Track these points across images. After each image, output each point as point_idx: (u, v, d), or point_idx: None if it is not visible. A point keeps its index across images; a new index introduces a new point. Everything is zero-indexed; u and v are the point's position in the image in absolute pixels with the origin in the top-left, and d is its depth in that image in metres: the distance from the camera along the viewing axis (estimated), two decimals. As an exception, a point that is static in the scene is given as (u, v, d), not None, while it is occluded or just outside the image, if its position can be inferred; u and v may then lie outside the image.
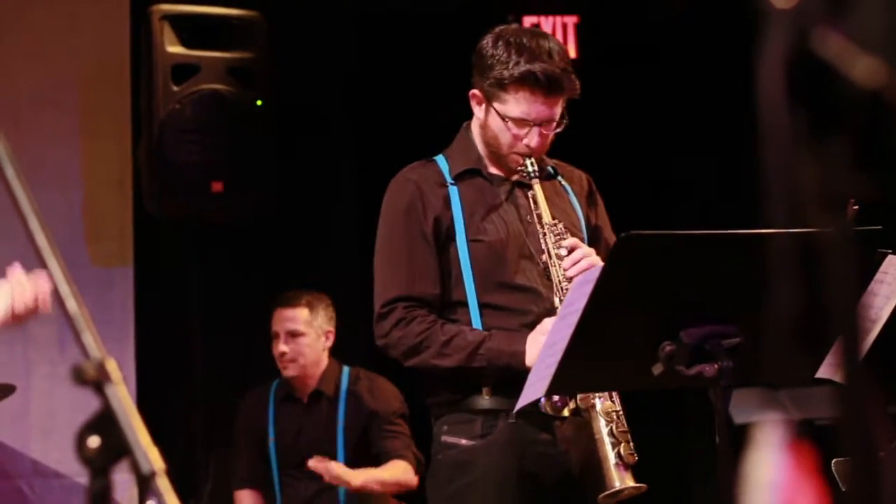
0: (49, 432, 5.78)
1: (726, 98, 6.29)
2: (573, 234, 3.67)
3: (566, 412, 3.60)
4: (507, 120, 3.62)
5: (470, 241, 3.65)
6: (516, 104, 3.61)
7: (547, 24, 6.35)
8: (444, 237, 3.66)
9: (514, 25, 3.81)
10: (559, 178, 3.84)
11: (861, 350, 1.06)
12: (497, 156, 3.71)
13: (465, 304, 3.63)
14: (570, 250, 3.54)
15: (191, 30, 5.83)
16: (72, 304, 1.68)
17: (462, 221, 3.66)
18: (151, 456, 1.60)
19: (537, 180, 3.64)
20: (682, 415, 6.21)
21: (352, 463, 5.68)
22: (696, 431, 6.11)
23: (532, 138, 3.62)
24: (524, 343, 3.50)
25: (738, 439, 2.87)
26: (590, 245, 3.66)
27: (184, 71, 5.77)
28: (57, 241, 1.69)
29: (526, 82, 3.58)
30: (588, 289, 2.90)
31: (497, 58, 3.61)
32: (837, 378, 3.13)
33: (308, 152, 6.62)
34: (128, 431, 1.60)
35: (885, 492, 1.05)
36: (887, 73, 0.89)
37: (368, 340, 3.78)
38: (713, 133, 6.53)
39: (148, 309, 6.04)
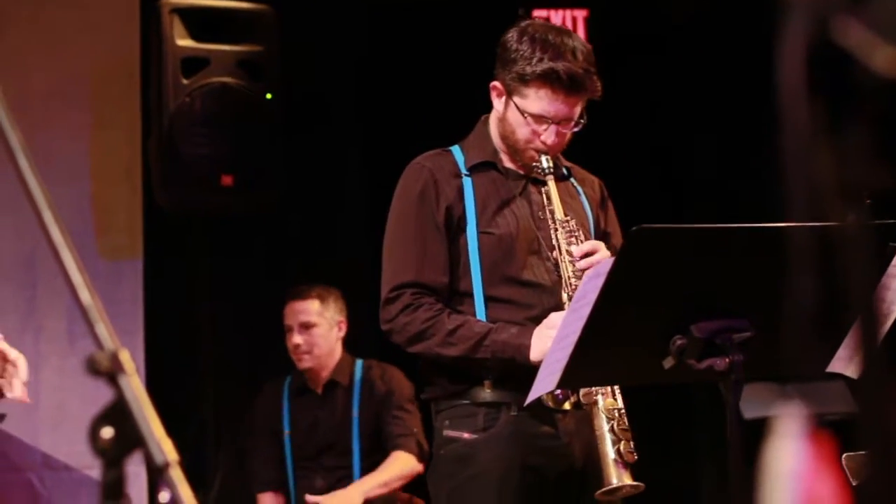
0: (59, 425, 5.79)
1: (738, 91, 6.28)
2: (583, 233, 3.66)
3: (567, 405, 3.60)
4: (526, 115, 3.62)
5: (480, 232, 3.65)
6: (536, 100, 3.61)
7: (557, 16, 6.34)
8: (454, 227, 3.66)
9: (541, 21, 3.81)
10: (572, 180, 3.84)
11: (878, 342, 1.06)
12: (513, 150, 3.71)
13: (470, 296, 3.64)
14: (586, 254, 3.53)
15: (200, 23, 5.83)
16: (85, 296, 1.68)
17: (474, 213, 3.66)
18: (165, 447, 1.60)
19: (552, 177, 3.64)
20: (690, 408, 6.20)
21: (367, 453, 5.70)
22: (704, 425, 6.11)
23: (549, 136, 3.62)
24: (530, 337, 3.50)
25: (749, 433, 2.88)
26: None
27: (193, 64, 5.78)
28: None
29: (548, 80, 3.58)
30: (599, 282, 2.90)
31: (521, 52, 3.61)
32: (848, 372, 3.11)
33: (317, 145, 6.62)
34: (141, 422, 1.60)
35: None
36: (907, 63, 0.89)
37: (378, 332, 3.78)
38: (724, 126, 6.52)
39: (157, 302, 6.04)
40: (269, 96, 5.89)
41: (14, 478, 5.78)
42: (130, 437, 1.60)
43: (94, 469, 5.71)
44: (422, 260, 3.64)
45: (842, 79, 0.92)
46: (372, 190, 6.25)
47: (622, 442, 3.41)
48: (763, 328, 2.93)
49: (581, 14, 6.48)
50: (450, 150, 3.78)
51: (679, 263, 2.96)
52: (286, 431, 5.81)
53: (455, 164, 3.73)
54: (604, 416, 3.44)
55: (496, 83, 3.70)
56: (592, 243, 3.59)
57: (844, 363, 3.03)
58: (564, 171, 3.82)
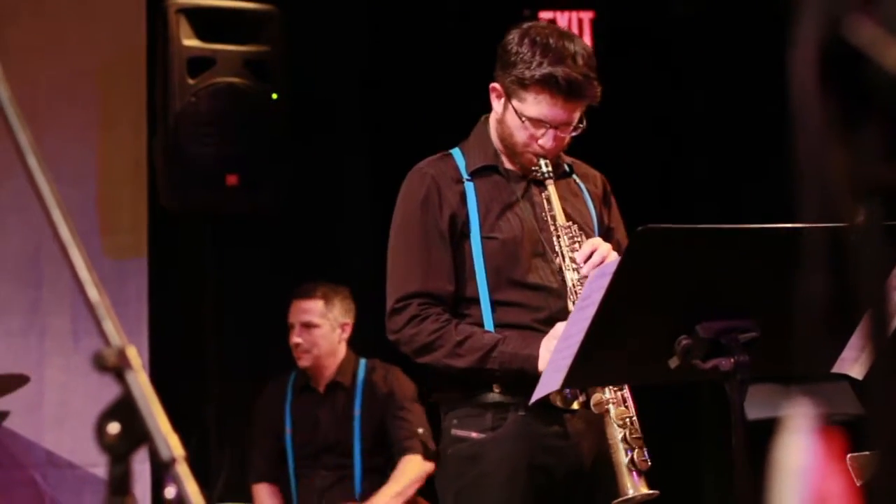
0: (63, 423, 5.80)
1: (743, 93, 6.29)
2: (586, 235, 3.65)
3: (576, 405, 3.59)
4: (524, 119, 3.61)
5: (484, 237, 3.63)
6: (535, 105, 3.59)
7: (563, 18, 6.34)
8: (458, 233, 3.65)
9: (543, 23, 3.78)
10: (574, 176, 3.83)
11: (888, 341, 1.06)
12: (512, 153, 3.70)
13: (476, 301, 3.62)
14: (589, 255, 3.52)
15: (206, 23, 5.84)
16: (93, 293, 1.68)
17: (477, 218, 3.65)
18: (171, 443, 1.60)
19: (552, 181, 3.63)
20: (696, 408, 6.20)
21: (369, 453, 5.70)
22: (709, 425, 6.11)
23: (547, 140, 3.61)
24: (538, 347, 3.49)
25: (754, 433, 2.88)
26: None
27: (199, 64, 5.78)
28: (71, 233, 1.70)
29: (546, 85, 3.56)
30: (605, 282, 2.90)
31: (521, 56, 3.59)
32: (853, 373, 3.11)
33: (323, 145, 6.62)
34: (148, 418, 1.61)
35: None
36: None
37: (383, 332, 3.78)
38: (729, 128, 6.52)
39: (162, 301, 6.05)
40: (274, 96, 5.89)
41: (18, 475, 5.79)
42: (137, 433, 1.61)
43: (98, 467, 5.72)
44: (427, 269, 3.63)
45: (854, 77, 0.92)
46: (377, 188, 6.25)
47: (635, 450, 3.40)
48: (768, 329, 2.93)
49: (587, 15, 6.48)
50: (450, 154, 3.76)
51: (684, 263, 2.96)
52: (288, 430, 5.82)
53: (456, 168, 3.72)
54: (616, 425, 3.43)
55: (496, 84, 3.68)
56: (591, 243, 3.57)
57: (849, 364, 3.03)
58: (566, 167, 3.81)
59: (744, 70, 6.24)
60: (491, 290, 3.61)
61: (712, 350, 2.95)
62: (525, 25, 3.67)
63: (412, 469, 5.65)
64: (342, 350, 5.85)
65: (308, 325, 5.78)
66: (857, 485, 3.04)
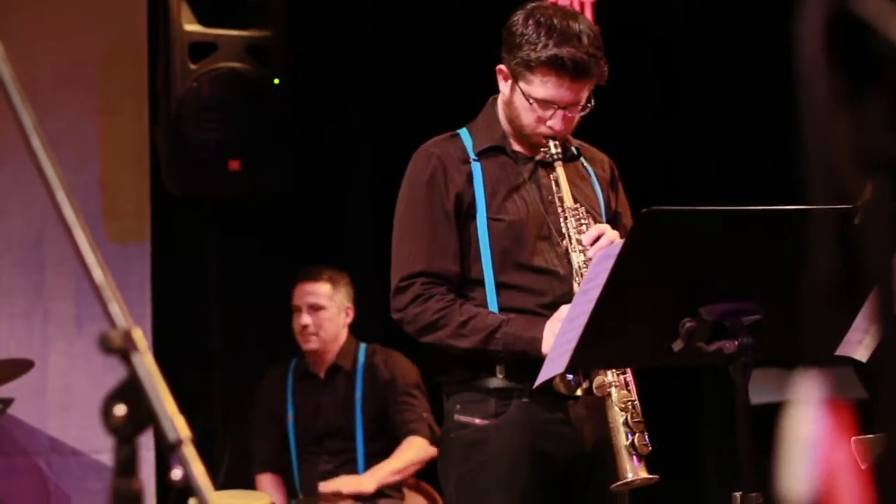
0: (66, 409, 5.80)
1: (746, 78, 6.28)
2: (593, 218, 3.65)
3: (579, 392, 3.59)
4: (531, 100, 3.60)
5: (490, 219, 3.62)
6: (542, 86, 3.58)
7: (565, 2, 6.33)
8: (464, 214, 3.64)
9: (547, 4, 3.76)
10: (582, 159, 3.82)
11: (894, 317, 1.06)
12: (520, 134, 3.70)
13: (481, 283, 3.62)
14: (595, 239, 3.52)
15: (208, 8, 5.83)
16: (98, 274, 1.68)
17: (484, 199, 3.64)
18: (178, 424, 1.61)
19: (560, 163, 3.62)
20: (698, 391, 6.21)
21: (371, 437, 5.71)
22: (711, 408, 6.11)
23: (556, 121, 3.60)
24: (542, 330, 3.48)
25: (757, 416, 2.88)
26: (607, 231, 3.63)
27: (201, 49, 5.78)
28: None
29: (553, 66, 3.55)
30: (609, 264, 2.90)
31: (526, 37, 3.58)
32: (857, 356, 3.11)
33: (325, 130, 6.62)
34: (154, 400, 1.61)
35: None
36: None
37: (384, 318, 3.77)
38: (732, 113, 6.51)
39: (165, 286, 6.05)
40: (276, 81, 5.89)
41: (22, 462, 5.80)
42: (143, 415, 1.61)
43: (101, 453, 5.73)
44: (432, 248, 3.62)
45: (860, 48, 0.92)
46: (379, 173, 6.25)
47: (636, 434, 3.39)
48: (772, 311, 2.93)
49: (589, -1, 6.47)
50: (458, 135, 3.75)
51: (689, 245, 2.96)
52: (290, 416, 5.82)
53: (463, 149, 3.71)
54: (617, 409, 3.43)
55: (502, 67, 3.67)
56: (598, 228, 3.57)
57: (854, 346, 3.03)
58: (574, 150, 3.80)
59: (748, 54, 6.23)
60: (496, 273, 3.60)
61: (716, 333, 2.95)
62: (529, 6, 3.66)
63: (415, 450, 5.66)
64: (344, 334, 5.85)
65: (315, 308, 5.78)
66: (862, 467, 3.04)
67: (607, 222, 3.69)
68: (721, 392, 3.27)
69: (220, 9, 5.86)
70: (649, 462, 3.42)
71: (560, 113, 3.59)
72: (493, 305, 3.60)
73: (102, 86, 5.97)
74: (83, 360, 5.74)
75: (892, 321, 0.94)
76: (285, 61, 5.94)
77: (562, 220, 3.58)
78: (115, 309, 1.66)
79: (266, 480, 5.83)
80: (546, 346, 3.40)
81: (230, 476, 5.91)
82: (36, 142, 1.71)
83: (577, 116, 3.64)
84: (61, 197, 1.69)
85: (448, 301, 3.58)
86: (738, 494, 2.94)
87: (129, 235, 5.94)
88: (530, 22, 3.60)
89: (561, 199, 3.60)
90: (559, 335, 3.13)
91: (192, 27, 5.77)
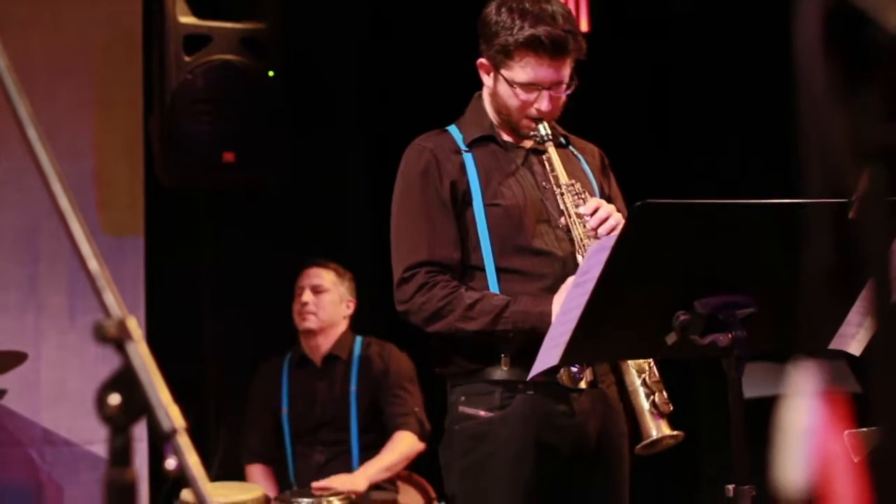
0: (59, 401, 5.80)
1: (741, 71, 6.28)
2: (589, 194, 3.66)
3: (583, 384, 3.60)
4: (515, 86, 3.62)
5: (487, 205, 3.64)
6: (523, 70, 3.60)
7: None
8: (460, 202, 3.65)
9: None
10: (571, 148, 3.84)
11: (890, 308, 1.06)
12: (509, 123, 3.71)
13: (482, 269, 3.62)
14: (594, 210, 3.53)
15: (203, 0, 5.82)
16: (93, 264, 1.68)
17: (478, 186, 3.65)
18: (172, 414, 1.61)
19: (551, 143, 3.64)
20: (691, 385, 6.21)
21: (364, 427, 5.71)
22: (706, 401, 6.12)
23: (542, 102, 3.62)
24: (550, 304, 3.48)
25: (750, 410, 2.88)
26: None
27: (196, 41, 5.78)
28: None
29: (531, 47, 3.58)
30: (603, 256, 2.90)
31: (501, 24, 3.61)
32: (851, 349, 3.11)
33: (320, 123, 6.61)
34: (148, 389, 1.61)
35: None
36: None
37: (381, 313, 3.77)
38: (727, 107, 6.52)
39: (159, 278, 6.05)
40: (271, 73, 5.89)
41: (14, 453, 5.80)
42: (138, 404, 1.61)
43: (94, 444, 5.73)
44: (432, 237, 3.62)
45: (858, 39, 0.92)
46: (375, 166, 6.25)
47: (656, 393, 3.39)
48: (766, 304, 2.93)
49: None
50: (447, 130, 3.77)
51: (683, 239, 2.96)
52: (284, 409, 5.82)
53: (454, 141, 3.73)
54: (634, 371, 3.43)
55: (482, 60, 3.70)
56: (596, 200, 3.58)
57: (848, 340, 3.03)
58: (563, 139, 3.82)
59: (743, 47, 6.24)
60: (496, 258, 3.61)
61: (710, 326, 2.95)
62: None
63: (405, 445, 5.67)
64: (343, 326, 5.87)
65: (318, 290, 5.82)
66: (856, 460, 3.05)
67: None
68: (714, 385, 3.27)
69: (214, 1, 5.85)
70: (671, 420, 3.40)
71: (545, 94, 3.61)
72: (493, 291, 3.60)
73: (97, 78, 5.96)
74: (76, 353, 5.74)
75: (888, 312, 0.94)
76: (280, 54, 5.94)
77: (558, 195, 3.60)
78: (110, 299, 1.66)
79: (256, 471, 5.84)
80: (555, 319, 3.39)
81: (224, 468, 5.91)
82: (32, 133, 1.71)
83: (563, 97, 3.65)
84: (57, 188, 1.69)
85: (452, 287, 3.58)
86: (731, 487, 2.94)
87: (123, 227, 5.93)
88: (503, 10, 3.64)
89: (556, 178, 3.61)
90: (553, 327, 3.13)
91: (186, 19, 5.77)
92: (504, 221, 3.62)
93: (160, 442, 1.62)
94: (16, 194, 5.69)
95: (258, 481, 5.78)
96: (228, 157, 5.81)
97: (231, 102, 5.83)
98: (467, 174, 3.66)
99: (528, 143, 3.73)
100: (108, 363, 1.62)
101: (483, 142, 3.72)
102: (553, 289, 3.52)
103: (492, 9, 3.67)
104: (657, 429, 3.37)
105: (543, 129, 3.63)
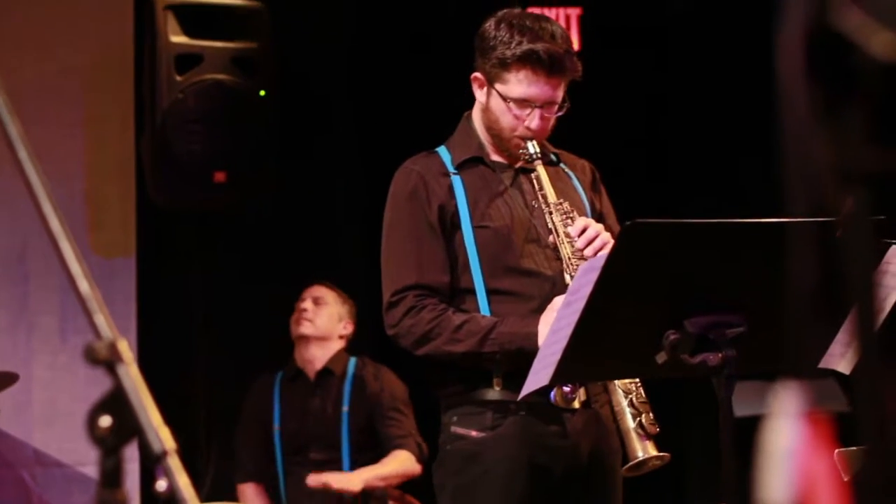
0: (51, 422, 5.79)
1: (731, 89, 6.30)
2: (578, 213, 3.66)
3: (576, 404, 3.59)
4: (508, 101, 3.62)
5: (475, 227, 3.64)
6: (518, 84, 3.61)
7: (550, 14, 6.31)
8: (449, 225, 3.65)
9: (517, 9, 3.81)
10: (562, 165, 3.84)
11: (875, 332, 1.06)
12: (499, 141, 3.71)
13: (472, 292, 3.62)
14: (582, 230, 3.53)
15: (194, 20, 5.83)
16: (84, 286, 1.69)
17: (466, 208, 3.65)
18: (163, 435, 1.61)
19: (540, 162, 3.64)
20: (681, 403, 6.22)
21: (356, 447, 5.72)
22: (694, 422, 6.12)
23: (533, 120, 3.62)
24: (536, 325, 3.48)
25: (740, 429, 2.89)
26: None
27: (187, 61, 5.78)
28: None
29: (528, 61, 3.58)
30: (593, 276, 2.90)
31: (499, 39, 3.62)
32: (841, 368, 3.12)
33: (311, 143, 6.62)
34: (139, 411, 1.61)
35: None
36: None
37: (373, 334, 3.77)
38: (717, 124, 6.54)
39: (150, 299, 6.04)
40: (262, 93, 5.89)
41: (6, 474, 5.79)
42: (128, 426, 1.61)
43: (86, 466, 5.72)
44: (420, 261, 3.63)
45: (840, 63, 0.93)
46: (367, 185, 6.26)
47: (643, 414, 3.39)
48: (756, 324, 2.94)
49: (575, 12, 6.50)
50: (436, 152, 3.77)
51: (673, 258, 2.96)
52: (276, 427, 5.83)
53: (442, 163, 3.73)
54: (621, 391, 3.43)
55: (477, 74, 3.70)
56: (584, 219, 3.58)
57: (837, 359, 3.04)
58: (553, 157, 3.82)
59: (734, 64, 6.26)
60: (486, 279, 3.61)
61: (700, 345, 2.96)
62: (499, 13, 3.71)
63: (403, 462, 5.68)
64: (338, 344, 5.88)
65: (318, 301, 5.89)
66: (845, 479, 3.05)
67: None
68: (704, 404, 3.27)
69: (206, 20, 5.86)
70: (657, 442, 3.41)
71: (537, 112, 3.61)
72: (484, 313, 3.60)
73: (88, 97, 5.97)
74: (67, 373, 5.73)
75: (871, 337, 0.95)
76: (272, 73, 5.95)
77: (546, 215, 3.60)
78: (101, 320, 1.66)
79: (249, 490, 5.83)
80: (542, 340, 3.39)
81: (215, 488, 5.90)
82: (23, 153, 1.72)
83: (554, 118, 3.65)
84: (47, 208, 1.70)
85: (441, 310, 3.58)
86: (720, 507, 2.94)
87: (115, 248, 5.93)
88: (502, 25, 3.65)
89: (544, 196, 3.61)
90: (543, 347, 3.14)
91: (178, 39, 5.77)
92: (493, 242, 3.63)
93: (151, 464, 1.62)
94: (6, 214, 5.69)
95: (251, 501, 5.78)
96: (220, 177, 5.81)
97: (222, 122, 5.83)
98: (455, 197, 3.66)
99: (517, 163, 3.73)
100: (99, 384, 1.62)
101: (471, 163, 3.73)
102: (542, 309, 3.52)
103: (491, 24, 3.68)
104: (643, 450, 3.37)
105: (532, 147, 3.63)
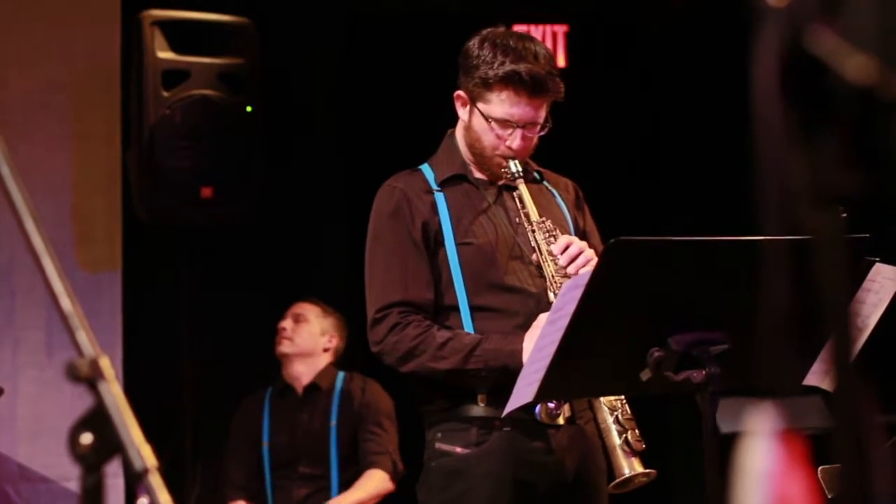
0: (36, 437, 5.78)
1: (716, 106, 6.31)
2: (561, 231, 3.66)
3: (561, 420, 3.59)
4: (490, 120, 3.62)
5: (459, 244, 3.64)
6: (500, 104, 3.61)
7: (537, 32, 6.36)
8: (432, 242, 3.65)
9: (501, 28, 3.81)
10: (545, 183, 3.85)
11: (852, 353, 1.07)
12: (481, 159, 3.71)
13: (456, 309, 3.62)
14: (565, 248, 3.53)
15: (181, 36, 5.84)
16: (66, 303, 1.69)
17: (450, 225, 3.65)
18: (144, 453, 1.61)
19: (522, 180, 3.64)
20: (665, 422, 6.22)
21: (344, 461, 5.72)
22: (679, 438, 6.12)
23: (515, 140, 3.62)
24: (521, 342, 3.47)
25: (724, 445, 2.89)
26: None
27: (174, 76, 5.79)
28: (45, 245, 1.70)
29: (510, 82, 3.58)
30: (577, 293, 2.91)
31: (483, 58, 3.62)
32: (824, 385, 3.12)
33: (298, 158, 6.63)
34: (121, 428, 1.61)
35: (877, 497, 1.05)
36: (878, 71, 0.91)
37: (360, 349, 3.77)
38: (703, 141, 6.55)
39: (136, 314, 6.04)
40: (249, 109, 5.90)
41: (-9, 490, 5.77)
42: (110, 443, 1.61)
43: (71, 481, 5.70)
44: (404, 277, 3.62)
45: (815, 86, 0.94)
46: (353, 202, 6.26)
47: (628, 431, 3.39)
48: (740, 341, 2.94)
49: (561, 29, 6.51)
50: (419, 169, 3.77)
51: (657, 276, 2.97)
52: (265, 442, 5.82)
53: (425, 181, 3.73)
54: (606, 409, 3.43)
55: (460, 92, 3.70)
56: (567, 237, 3.59)
57: (821, 377, 3.04)
58: (536, 175, 3.83)
59: (718, 82, 6.27)
60: (470, 296, 3.61)
61: (684, 362, 2.96)
62: (483, 31, 3.70)
63: (376, 483, 5.68)
64: (324, 358, 5.88)
65: (298, 319, 5.88)
66: (828, 497, 3.05)
67: None
68: (689, 421, 3.28)
69: (193, 36, 5.87)
70: (644, 458, 3.41)
71: (519, 132, 3.61)
72: (468, 330, 3.60)
73: (75, 112, 5.97)
74: (53, 388, 5.72)
75: (847, 361, 0.96)
76: (258, 89, 5.96)
77: (529, 233, 3.60)
78: (83, 337, 1.67)
79: (238, 506, 5.83)
80: (526, 357, 3.40)
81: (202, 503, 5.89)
82: (5, 170, 1.72)
83: (536, 138, 3.66)
84: (30, 226, 1.70)
85: (425, 327, 3.58)
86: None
87: (101, 263, 5.93)
88: (486, 44, 3.64)
89: (527, 215, 3.61)
90: (527, 364, 3.14)
91: (165, 54, 5.78)
92: (476, 259, 3.63)
93: (133, 481, 1.62)
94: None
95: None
96: (206, 192, 5.82)
97: (209, 137, 5.84)
98: (439, 214, 3.66)
99: (500, 181, 3.73)
100: (85, 399, 1.62)
101: (455, 181, 3.73)
102: (526, 326, 3.52)
103: (475, 42, 3.68)
104: (629, 467, 3.37)
105: (514, 166, 3.63)
